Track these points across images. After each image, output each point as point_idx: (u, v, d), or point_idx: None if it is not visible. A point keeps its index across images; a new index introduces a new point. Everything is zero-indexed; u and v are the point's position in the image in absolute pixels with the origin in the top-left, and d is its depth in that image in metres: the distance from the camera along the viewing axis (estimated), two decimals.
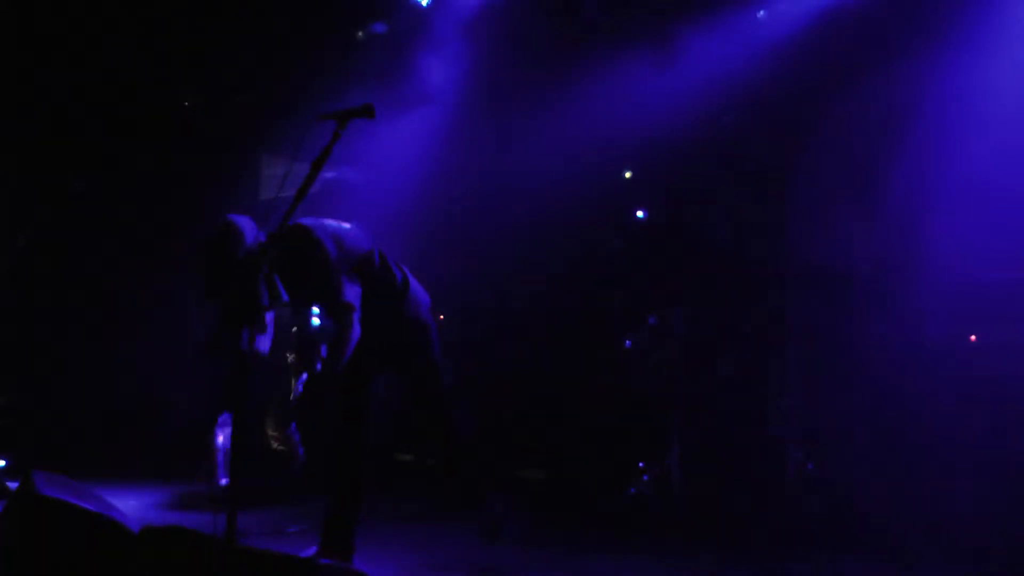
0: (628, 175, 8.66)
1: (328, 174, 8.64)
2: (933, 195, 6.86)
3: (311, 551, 4.95)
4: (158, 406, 8.30)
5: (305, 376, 5.50)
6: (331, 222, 4.90)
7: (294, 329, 5.96)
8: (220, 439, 4.97)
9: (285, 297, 5.86)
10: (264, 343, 4.70)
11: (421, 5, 8.54)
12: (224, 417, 5.03)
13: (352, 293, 4.71)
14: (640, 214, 8.47)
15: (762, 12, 7.87)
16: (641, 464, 7.12)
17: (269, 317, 4.88)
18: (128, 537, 4.19)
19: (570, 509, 7.15)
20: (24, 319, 8.37)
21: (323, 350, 5.52)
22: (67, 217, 8.53)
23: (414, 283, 5.20)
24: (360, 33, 9.00)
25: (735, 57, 7.65)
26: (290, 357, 6.03)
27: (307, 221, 4.80)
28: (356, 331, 4.67)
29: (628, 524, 6.63)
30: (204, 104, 9.16)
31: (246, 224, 4.69)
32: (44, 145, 8.38)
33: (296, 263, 4.70)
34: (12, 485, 5.56)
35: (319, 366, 5.36)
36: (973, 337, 6.53)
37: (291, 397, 5.36)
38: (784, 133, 7.65)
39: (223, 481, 4.95)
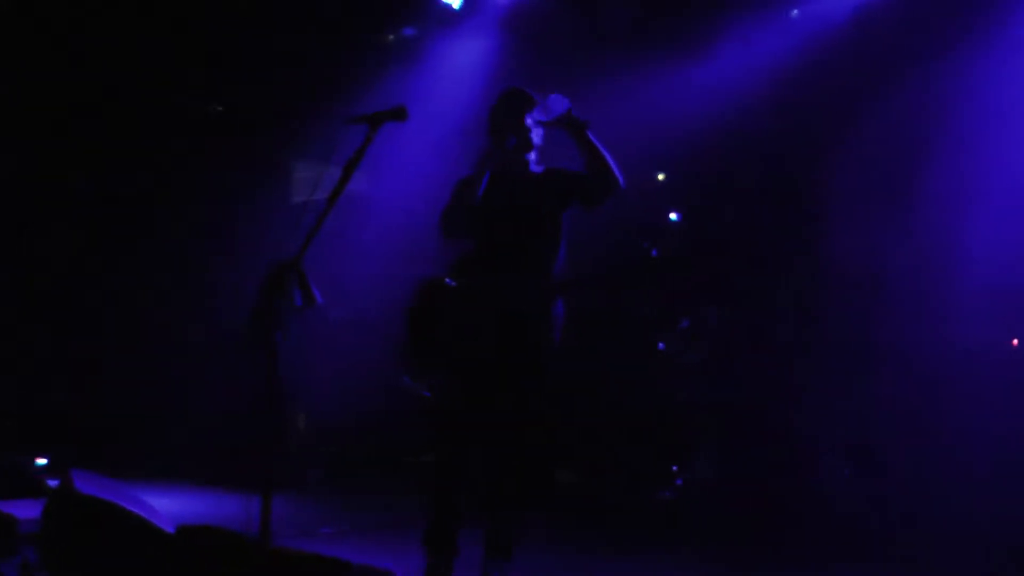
0: (661, 177, 8.64)
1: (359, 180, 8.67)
2: (971, 196, 6.81)
3: None
4: (193, 405, 8.35)
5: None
6: None
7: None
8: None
9: (319, 299, 5.85)
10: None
11: (452, 8, 8.56)
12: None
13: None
14: (673, 216, 8.45)
15: (796, 11, 7.84)
16: (674, 468, 7.11)
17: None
18: (164, 536, 4.24)
19: (602, 512, 7.14)
20: (62, 320, 8.46)
21: None
22: (101, 219, 8.62)
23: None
24: (391, 36, 9.02)
25: (769, 57, 7.62)
26: None
27: None
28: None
29: (659, 528, 6.62)
30: (236, 108, 9.21)
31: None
32: (75, 147, 8.46)
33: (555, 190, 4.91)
34: (52, 483, 5.63)
35: None
36: (1015, 341, 6.48)
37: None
38: (818, 134, 7.61)
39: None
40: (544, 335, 4.85)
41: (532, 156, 4.97)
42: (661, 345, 7.42)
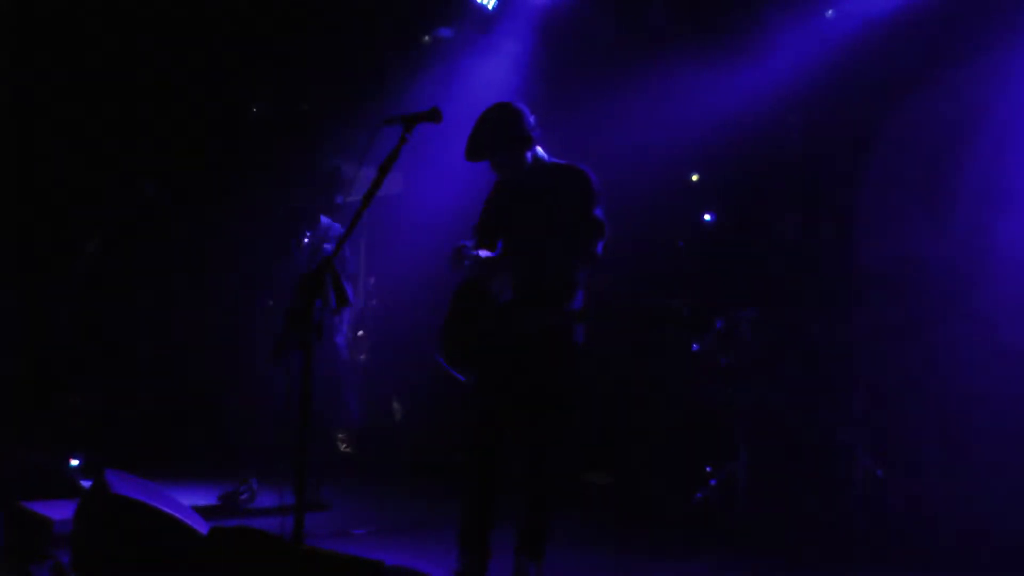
0: (695, 178, 8.61)
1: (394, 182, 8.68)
2: (1007, 195, 6.74)
3: None
4: (227, 406, 8.39)
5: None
6: None
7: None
8: None
9: (352, 299, 5.84)
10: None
11: (487, 8, 8.55)
12: None
13: (604, 220, 4.77)
14: (707, 217, 8.42)
15: (831, 12, 7.78)
16: (708, 469, 7.08)
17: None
18: (197, 537, 4.24)
19: (636, 513, 7.12)
20: (95, 321, 8.51)
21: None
22: (136, 221, 8.67)
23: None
24: (426, 37, 9.03)
25: (803, 58, 7.58)
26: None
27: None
28: (599, 252, 4.72)
29: (694, 530, 6.59)
30: (272, 110, 9.25)
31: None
32: (114, 150, 8.51)
33: (558, 189, 4.79)
34: (86, 484, 5.66)
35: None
36: None
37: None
38: (853, 133, 7.56)
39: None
40: (563, 335, 4.79)
41: (538, 153, 4.91)
42: (695, 346, 7.37)
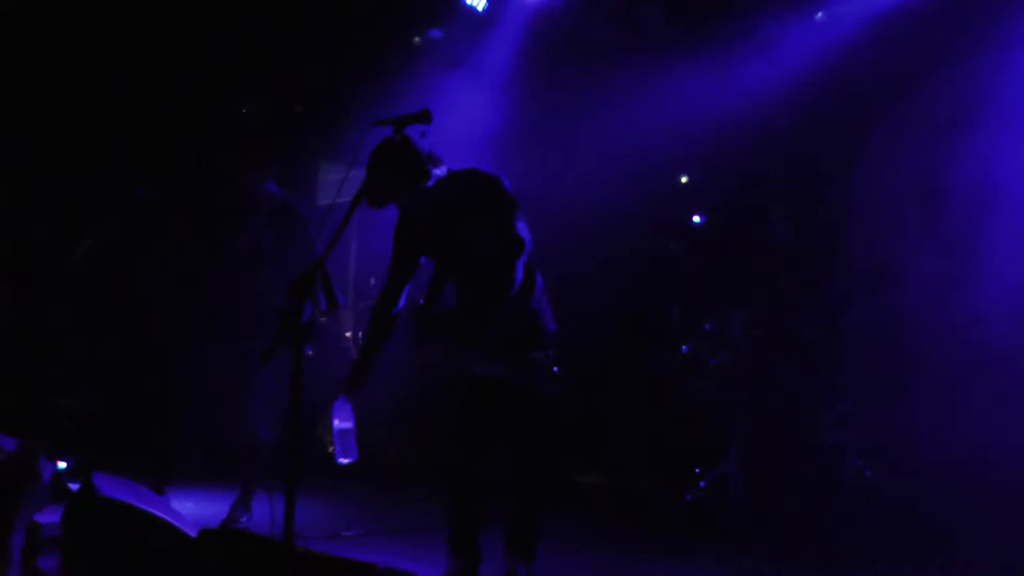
0: (684, 180, 8.61)
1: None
2: (997, 196, 6.76)
3: None
4: (219, 409, 8.36)
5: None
6: None
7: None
8: (336, 422, 4.70)
9: (342, 300, 5.79)
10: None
11: (477, 11, 8.54)
12: (338, 402, 4.75)
13: (525, 233, 4.52)
14: (697, 219, 8.42)
15: (820, 14, 7.80)
16: (697, 470, 7.08)
17: None
18: (186, 539, 4.22)
19: (628, 514, 7.12)
20: (86, 323, 8.48)
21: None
22: (127, 223, 8.64)
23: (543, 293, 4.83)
24: (417, 39, 9.02)
25: (794, 59, 7.59)
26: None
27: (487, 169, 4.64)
28: (520, 273, 4.48)
29: (685, 530, 6.59)
30: (262, 111, 9.22)
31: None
32: (105, 152, 8.48)
33: (466, 204, 4.58)
34: (73, 487, 5.63)
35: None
36: None
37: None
38: (844, 135, 7.57)
39: (345, 460, 4.68)
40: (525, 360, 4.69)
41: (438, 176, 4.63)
42: (685, 348, 7.38)
